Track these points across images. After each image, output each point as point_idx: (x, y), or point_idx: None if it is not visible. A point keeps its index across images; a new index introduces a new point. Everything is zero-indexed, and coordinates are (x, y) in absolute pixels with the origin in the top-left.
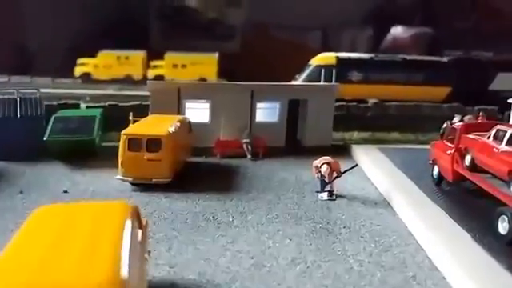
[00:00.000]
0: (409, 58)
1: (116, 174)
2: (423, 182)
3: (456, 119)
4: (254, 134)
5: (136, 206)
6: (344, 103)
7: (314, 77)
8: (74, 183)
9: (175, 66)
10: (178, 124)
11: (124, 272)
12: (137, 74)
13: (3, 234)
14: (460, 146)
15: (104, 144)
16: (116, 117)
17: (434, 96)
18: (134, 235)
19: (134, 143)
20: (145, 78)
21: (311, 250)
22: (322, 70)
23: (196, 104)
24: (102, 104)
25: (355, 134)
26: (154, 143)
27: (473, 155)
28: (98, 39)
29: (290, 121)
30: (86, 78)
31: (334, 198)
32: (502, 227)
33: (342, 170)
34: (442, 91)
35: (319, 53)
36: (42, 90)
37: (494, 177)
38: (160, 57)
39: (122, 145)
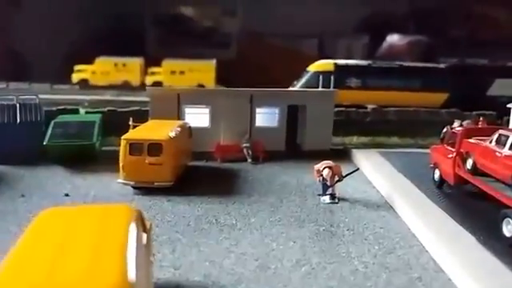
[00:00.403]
0: (406, 64)
1: (117, 178)
2: (424, 185)
3: (456, 124)
4: (253, 139)
5: (139, 210)
6: (343, 109)
7: (312, 83)
8: (75, 187)
9: (173, 72)
10: (179, 129)
11: (131, 274)
12: (135, 81)
13: (6, 237)
14: (461, 150)
15: (104, 149)
16: (115, 122)
17: (431, 102)
18: (138, 238)
19: (135, 148)
20: (143, 85)
21: (315, 252)
22: (320, 77)
23: (196, 109)
24: (101, 109)
25: (355, 139)
26: (154, 148)
27: (474, 159)
28: (95, 47)
29: (289, 125)
30: (84, 84)
31: (337, 201)
32: (507, 230)
33: (344, 174)
34: (440, 97)
35: (315, 60)
36: (41, 96)
37: (497, 180)
38: (157, 64)
39: (122, 149)
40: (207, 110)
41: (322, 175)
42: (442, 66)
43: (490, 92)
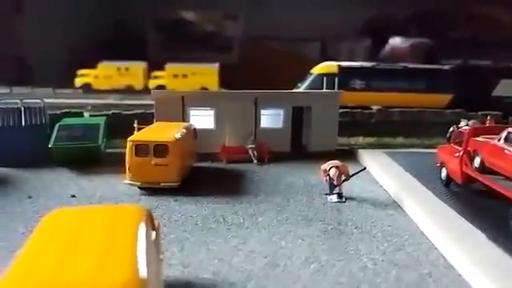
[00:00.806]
0: (410, 66)
1: (122, 179)
2: (432, 184)
3: (463, 123)
4: (258, 140)
5: (148, 209)
6: (348, 110)
7: (316, 85)
8: (81, 188)
9: (176, 76)
10: (184, 130)
11: (142, 271)
12: (137, 85)
13: (14, 237)
14: (468, 148)
15: (108, 151)
16: (120, 125)
17: (435, 103)
18: (148, 236)
19: (140, 149)
20: (146, 89)
21: (324, 250)
22: (324, 79)
23: (200, 112)
24: (105, 112)
25: (360, 140)
26: (160, 149)
27: (482, 157)
28: (97, 51)
29: (294, 127)
30: (87, 88)
31: (344, 200)
32: None
33: (350, 174)
34: (444, 99)
35: (317, 64)
36: (45, 100)
37: (505, 178)
38: (159, 68)
39: (128, 151)
40: (212, 112)
41: (328, 175)
42: (446, 67)
43: (495, 93)
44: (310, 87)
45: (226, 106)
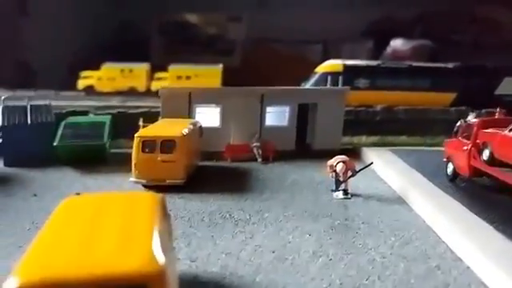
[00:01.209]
0: (414, 64)
1: (128, 178)
2: (438, 179)
3: (470, 117)
4: (263, 138)
5: (163, 196)
6: (352, 108)
7: (320, 84)
8: (86, 187)
9: (179, 77)
10: (191, 127)
11: (162, 252)
12: (141, 86)
13: (21, 233)
14: (477, 141)
15: (113, 151)
16: (125, 124)
17: (439, 102)
18: (163, 221)
19: (147, 145)
20: (149, 90)
21: (332, 244)
22: (329, 78)
23: (206, 109)
24: (110, 112)
25: (364, 139)
26: (167, 145)
27: (492, 149)
28: (100, 53)
29: (299, 124)
30: (90, 90)
31: (350, 196)
32: None
33: (357, 169)
34: (448, 97)
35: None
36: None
37: None
38: (163, 70)
39: (135, 147)
40: (218, 110)
41: (334, 171)
42: (450, 65)
43: (498, 91)
44: (314, 86)
45: (232, 103)
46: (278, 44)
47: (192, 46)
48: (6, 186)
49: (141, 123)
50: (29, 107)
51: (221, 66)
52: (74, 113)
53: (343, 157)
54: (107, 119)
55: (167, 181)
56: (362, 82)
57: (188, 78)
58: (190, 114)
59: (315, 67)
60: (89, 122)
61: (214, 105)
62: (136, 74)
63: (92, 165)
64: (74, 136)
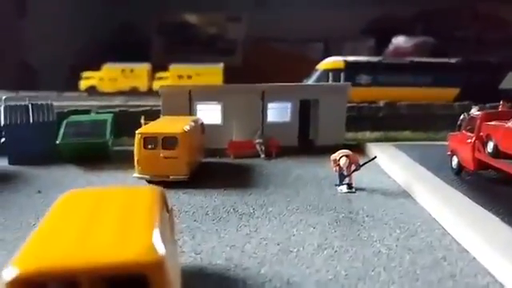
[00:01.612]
0: (416, 60)
1: (130, 175)
2: (442, 173)
3: (473, 110)
4: (266, 135)
5: (163, 189)
6: (355, 104)
7: (322, 81)
8: (90, 183)
9: (180, 76)
10: (192, 123)
11: (161, 243)
12: (142, 86)
13: (26, 228)
14: (481, 133)
15: (116, 148)
16: (127, 122)
17: (442, 97)
18: (164, 214)
19: (149, 142)
20: (150, 90)
21: (337, 237)
22: (330, 74)
23: (207, 106)
24: (111, 110)
25: (367, 134)
26: (169, 141)
27: (496, 141)
28: (101, 54)
29: (302, 121)
30: (92, 91)
31: (354, 190)
32: None
33: (361, 163)
34: (451, 92)
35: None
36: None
37: None
38: (164, 69)
39: (137, 143)
40: (219, 107)
41: (338, 165)
42: (452, 60)
43: (502, 85)
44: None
45: (233, 100)
46: (278, 43)
47: (193, 46)
48: (10, 183)
49: (142, 121)
50: (30, 106)
51: (222, 64)
52: (76, 112)
53: (347, 151)
54: (109, 117)
55: (171, 177)
56: (363, 78)
57: (189, 77)
58: (190, 112)
59: (315, 65)
60: (91, 120)
61: (215, 102)
62: (137, 73)
63: (95, 162)
64: (77, 134)
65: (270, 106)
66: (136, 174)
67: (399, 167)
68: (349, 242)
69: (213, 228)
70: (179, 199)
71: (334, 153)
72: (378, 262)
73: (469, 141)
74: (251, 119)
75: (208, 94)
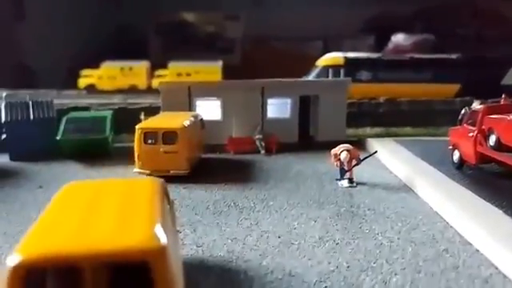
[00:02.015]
0: (417, 56)
1: (131, 170)
2: (444, 167)
3: (475, 104)
4: (266, 131)
5: (164, 182)
6: (355, 100)
7: (322, 78)
8: (90, 178)
9: (179, 74)
10: (192, 119)
11: (163, 231)
12: (141, 84)
13: (28, 222)
14: (483, 127)
15: (116, 145)
16: (126, 119)
17: (443, 94)
18: (165, 204)
19: (149, 137)
20: (150, 88)
21: (338, 230)
22: (330, 71)
23: (207, 102)
24: (111, 107)
25: (368, 130)
26: (169, 136)
27: (498, 134)
28: (100, 52)
29: (302, 117)
30: (91, 89)
31: (355, 185)
32: None
33: (362, 158)
34: (452, 89)
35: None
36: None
37: None
38: (163, 67)
39: (137, 138)
40: (218, 103)
41: (339, 159)
42: (453, 56)
43: (504, 81)
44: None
45: (232, 96)
46: (277, 41)
47: (191, 44)
48: (12, 178)
49: (142, 117)
50: (31, 103)
51: (220, 62)
52: (76, 108)
53: (347, 145)
54: (109, 114)
55: (171, 171)
56: (364, 74)
57: (188, 75)
58: (190, 108)
59: (314, 62)
60: (91, 117)
61: (214, 98)
62: (136, 71)
63: (95, 158)
64: (77, 130)
65: (270, 101)
66: (136, 169)
67: (400, 162)
68: (350, 234)
69: (214, 221)
70: (180, 194)
71: (334, 148)
72: (380, 254)
73: (470, 134)
74: (251, 115)
75: (207, 90)
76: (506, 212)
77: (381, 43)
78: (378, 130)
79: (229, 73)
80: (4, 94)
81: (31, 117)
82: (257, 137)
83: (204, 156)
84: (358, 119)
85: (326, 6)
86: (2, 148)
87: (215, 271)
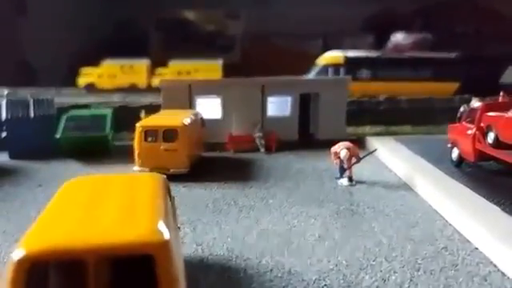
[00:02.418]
0: (416, 54)
1: (131, 168)
2: (443, 165)
3: (473, 101)
4: (266, 129)
5: (165, 177)
6: (355, 98)
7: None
8: None
9: (180, 73)
10: (192, 117)
11: (165, 225)
12: (141, 83)
13: (27, 222)
14: (481, 124)
15: (116, 143)
16: (127, 117)
17: (442, 92)
18: (167, 199)
19: (150, 134)
20: (150, 86)
21: (338, 228)
22: (330, 70)
23: (207, 100)
24: (111, 105)
25: (368, 129)
26: (169, 134)
27: (497, 132)
28: (100, 50)
29: (302, 114)
30: (91, 87)
31: (354, 183)
32: None
33: (361, 156)
34: (451, 87)
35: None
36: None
37: None
38: (163, 65)
39: (137, 136)
40: (218, 101)
41: (339, 157)
42: (452, 55)
43: (503, 79)
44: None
45: (232, 94)
46: (277, 39)
47: (191, 42)
48: (12, 177)
49: (142, 115)
50: (31, 101)
51: (221, 60)
52: (76, 106)
53: (347, 143)
54: (109, 112)
55: (171, 169)
56: (364, 73)
57: (188, 73)
58: (190, 106)
59: (314, 60)
60: (91, 115)
61: (214, 95)
62: (136, 70)
63: (95, 156)
64: (77, 128)
65: (270, 99)
66: (136, 167)
67: (400, 160)
68: (350, 232)
69: (213, 220)
70: (179, 192)
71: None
72: (380, 252)
73: (469, 132)
74: (251, 113)
75: (208, 88)
76: (504, 210)
77: (380, 41)
78: (377, 128)
79: (229, 71)
80: (5, 92)
81: (31, 115)
82: (257, 135)
83: (204, 154)
84: (358, 117)
85: (325, 4)
86: (1, 146)
87: (215, 269)
